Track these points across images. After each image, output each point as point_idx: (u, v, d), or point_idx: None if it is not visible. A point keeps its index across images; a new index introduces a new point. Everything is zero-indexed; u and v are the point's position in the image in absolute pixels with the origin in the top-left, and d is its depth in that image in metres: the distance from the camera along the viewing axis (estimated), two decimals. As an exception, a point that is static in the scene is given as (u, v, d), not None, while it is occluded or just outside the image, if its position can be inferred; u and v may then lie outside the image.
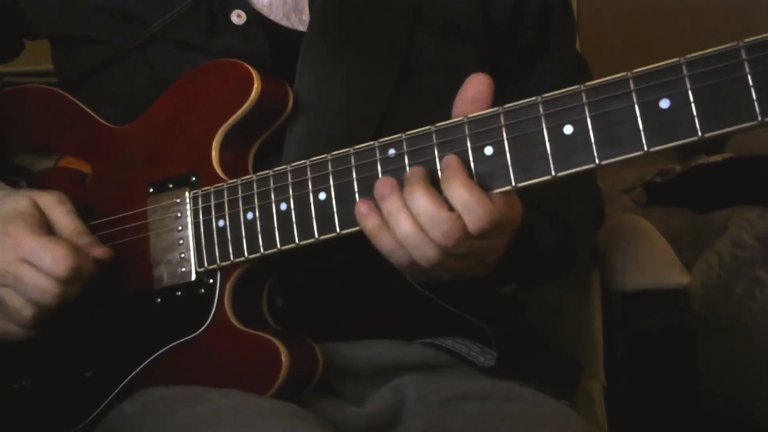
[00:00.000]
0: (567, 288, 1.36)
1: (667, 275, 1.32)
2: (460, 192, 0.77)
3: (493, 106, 0.80)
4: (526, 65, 1.12)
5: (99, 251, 0.95)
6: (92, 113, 1.06)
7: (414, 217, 0.79)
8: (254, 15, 1.02)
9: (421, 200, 0.78)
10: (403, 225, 0.79)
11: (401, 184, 0.80)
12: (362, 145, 0.84)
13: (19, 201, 0.95)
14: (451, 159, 0.79)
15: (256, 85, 0.93)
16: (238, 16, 1.02)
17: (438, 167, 0.80)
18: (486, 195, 0.77)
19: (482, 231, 0.77)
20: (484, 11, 1.08)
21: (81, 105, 1.06)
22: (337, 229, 0.84)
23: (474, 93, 0.81)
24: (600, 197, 1.22)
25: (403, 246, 0.80)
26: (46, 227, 0.95)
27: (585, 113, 0.72)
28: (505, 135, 0.76)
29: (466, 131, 0.78)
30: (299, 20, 1.04)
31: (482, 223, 0.77)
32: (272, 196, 0.88)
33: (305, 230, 0.86)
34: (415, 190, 0.79)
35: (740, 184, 2.49)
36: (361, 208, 0.82)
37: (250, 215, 0.90)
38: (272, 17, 1.04)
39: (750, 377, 2.23)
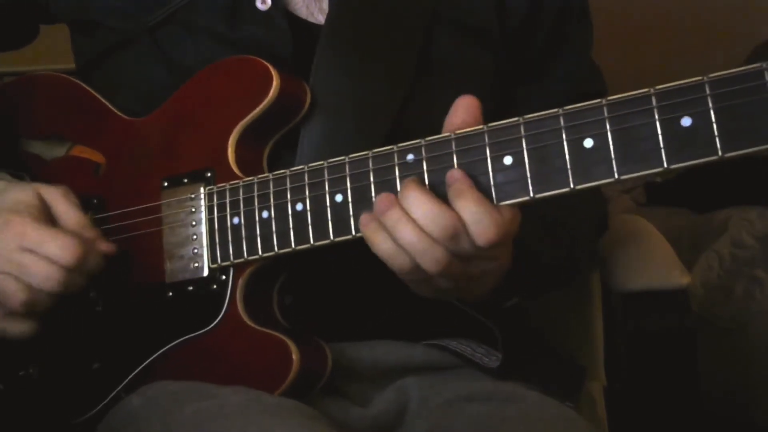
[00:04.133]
0: (567, 289, 1.37)
1: (667, 276, 1.33)
2: (468, 205, 0.77)
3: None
4: (540, 67, 1.12)
5: (104, 245, 0.96)
6: (107, 103, 1.06)
7: (414, 221, 0.79)
8: (278, 1, 1.02)
9: (417, 200, 0.79)
10: (406, 233, 0.79)
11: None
12: (381, 149, 0.84)
13: (23, 192, 0.95)
14: (457, 173, 0.79)
15: (275, 83, 0.93)
16: (263, 1, 1.02)
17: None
18: (495, 207, 0.78)
19: (491, 243, 0.77)
20: (499, 13, 1.08)
21: (96, 94, 1.07)
22: (353, 232, 0.85)
23: (464, 116, 0.81)
24: (604, 204, 1.22)
25: (406, 252, 0.80)
26: (49, 219, 0.94)
27: (606, 127, 0.73)
28: (525, 146, 0.76)
29: (486, 140, 0.78)
30: (318, 9, 1.05)
31: (490, 234, 0.77)
32: (288, 196, 0.88)
33: (320, 231, 0.86)
34: (409, 194, 0.79)
35: (740, 184, 2.50)
36: (362, 219, 0.83)
37: (265, 214, 0.90)
38: (291, 8, 1.04)
39: (750, 377, 2.24)
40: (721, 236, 2.37)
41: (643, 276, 1.33)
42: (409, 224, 0.79)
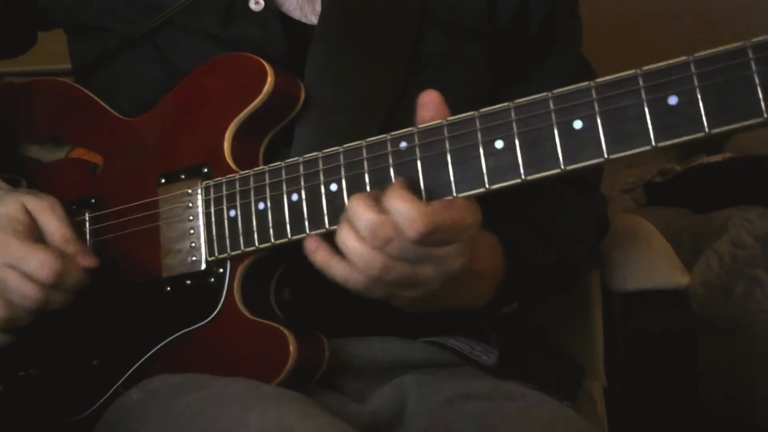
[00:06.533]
0: (567, 290, 1.36)
1: (667, 276, 1.33)
2: (393, 202, 0.79)
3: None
4: (531, 66, 1.13)
5: (85, 260, 0.95)
6: (105, 105, 1.07)
7: (353, 227, 0.81)
8: (271, 3, 1.03)
9: (354, 204, 0.81)
10: (345, 236, 0.82)
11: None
12: (374, 138, 0.85)
13: (9, 206, 0.95)
14: (396, 180, 0.82)
15: (270, 79, 0.94)
16: (256, 2, 1.03)
17: (449, 161, 0.81)
18: (419, 201, 0.79)
19: (421, 235, 0.78)
20: (489, 11, 1.09)
21: (93, 97, 1.08)
22: None
23: (432, 113, 0.83)
24: (603, 206, 1.22)
25: (352, 265, 0.82)
26: (35, 233, 0.95)
27: (595, 109, 0.74)
28: (515, 129, 0.77)
29: (477, 125, 0.79)
30: (312, 10, 1.05)
31: (418, 226, 0.78)
32: (284, 187, 0.89)
33: (316, 221, 0.87)
34: (352, 200, 0.82)
35: (740, 184, 2.50)
36: (309, 244, 0.86)
37: (261, 206, 0.91)
38: (285, 9, 1.05)
39: (750, 377, 2.24)
40: (721, 236, 2.38)
41: (643, 276, 1.33)
42: (346, 226, 0.82)
